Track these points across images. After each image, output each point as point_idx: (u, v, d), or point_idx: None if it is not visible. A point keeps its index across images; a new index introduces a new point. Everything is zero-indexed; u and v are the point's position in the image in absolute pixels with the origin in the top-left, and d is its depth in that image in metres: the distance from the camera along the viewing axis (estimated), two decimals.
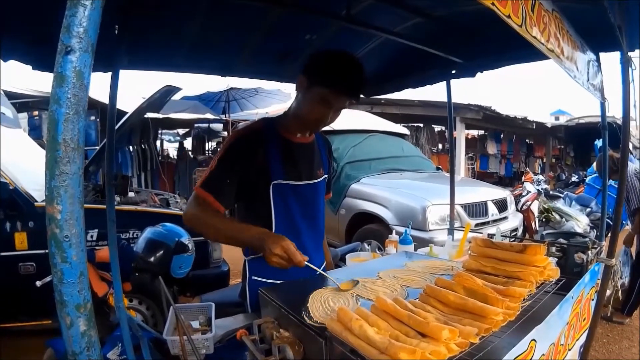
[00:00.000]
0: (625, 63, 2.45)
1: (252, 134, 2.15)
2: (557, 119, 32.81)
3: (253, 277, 2.23)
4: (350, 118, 8.87)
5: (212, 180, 2.05)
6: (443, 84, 3.74)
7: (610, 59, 2.69)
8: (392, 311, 1.38)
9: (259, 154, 2.10)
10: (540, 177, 12.48)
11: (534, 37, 1.65)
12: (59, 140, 0.77)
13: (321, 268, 2.19)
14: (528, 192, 8.91)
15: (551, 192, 11.35)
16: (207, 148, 18.89)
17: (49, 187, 0.78)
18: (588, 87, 2.44)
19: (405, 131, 11.83)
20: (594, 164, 9.68)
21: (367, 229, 6.79)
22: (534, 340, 1.45)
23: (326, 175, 2.43)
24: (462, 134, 16.33)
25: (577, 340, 2.29)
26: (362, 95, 2.33)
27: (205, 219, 2.02)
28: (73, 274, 0.80)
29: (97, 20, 0.79)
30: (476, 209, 6.71)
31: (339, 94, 2.00)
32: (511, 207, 7.62)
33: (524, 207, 8.49)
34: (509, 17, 1.42)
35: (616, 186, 2.95)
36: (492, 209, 6.94)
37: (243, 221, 2.14)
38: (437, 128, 19.19)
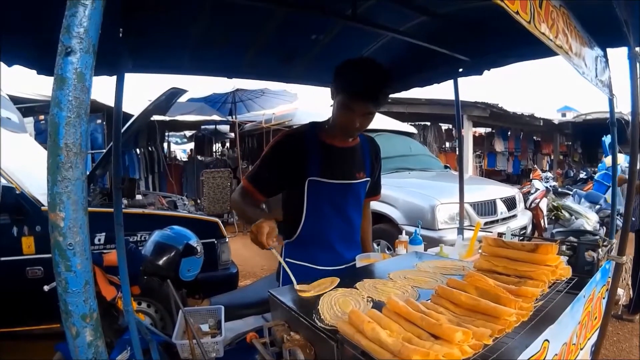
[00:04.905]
0: (633, 58, 2.44)
1: (296, 136, 2.43)
2: (563, 115, 32.62)
3: (287, 259, 2.41)
4: None
5: (255, 173, 2.40)
6: (450, 82, 3.71)
7: (617, 55, 2.68)
8: (404, 313, 1.37)
9: (299, 153, 2.34)
10: (549, 174, 12.46)
11: (543, 34, 1.64)
12: (61, 145, 0.75)
13: (351, 263, 2.54)
14: (536, 189, 8.84)
15: (559, 190, 11.28)
16: (214, 150, 18.86)
17: (52, 194, 0.76)
18: (597, 84, 2.43)
19: (413, 130, 11.78)
20: (605, 160, 9.64)
21: (376, 228, 6.59)
22: (547, 340, 1.44)
23: (367, 178, 2.58)
24: (469, 132, 16.28)
25: (588, 339, 2.27)
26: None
27: (240, 203, 2.39)
28: (78, 283, 0.80)
29: (99, 21, 0.78)
30: (485, 208, 6.65)
31: (356, 99, 2.13)
32: (520, 205, 7.56)
33: (533, 205, 8.43)
34: (517, 13, 1.41)
35: None
36: (501, 207, 6.87)
37: (283, 208, 2.56)
38: (444, 126, 19.09)
